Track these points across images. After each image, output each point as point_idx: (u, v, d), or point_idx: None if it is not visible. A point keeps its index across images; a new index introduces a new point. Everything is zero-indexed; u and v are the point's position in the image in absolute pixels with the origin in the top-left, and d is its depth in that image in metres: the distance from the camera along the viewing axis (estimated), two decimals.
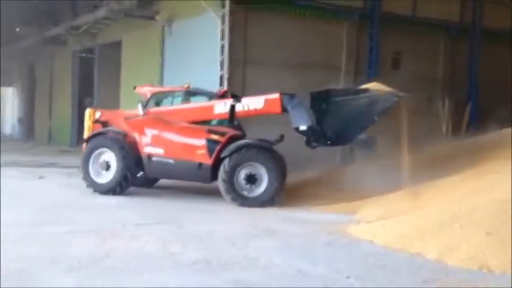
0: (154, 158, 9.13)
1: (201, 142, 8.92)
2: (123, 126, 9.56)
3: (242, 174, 8.62)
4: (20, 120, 31.32)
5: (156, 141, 9.17)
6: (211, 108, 9.38)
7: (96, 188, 9.22)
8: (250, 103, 9.17)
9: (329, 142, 8.93)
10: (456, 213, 6.41)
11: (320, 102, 8.86)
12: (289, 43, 13.90)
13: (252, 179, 8.61)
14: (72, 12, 22.33)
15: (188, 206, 8.42)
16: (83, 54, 23.13)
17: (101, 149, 9.25)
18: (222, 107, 9.28)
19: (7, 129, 33.22)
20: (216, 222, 7.24)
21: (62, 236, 5.94)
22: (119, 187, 9.10)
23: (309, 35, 14.14)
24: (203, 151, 8.87)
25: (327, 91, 9.05)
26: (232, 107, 9.07)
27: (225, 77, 13.34)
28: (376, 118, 8.63)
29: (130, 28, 17.70)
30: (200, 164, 8.85)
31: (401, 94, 8.63)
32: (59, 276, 4.47)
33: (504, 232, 5.70)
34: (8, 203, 7.87)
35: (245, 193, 8.62)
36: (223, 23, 13.20)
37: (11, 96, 33.62)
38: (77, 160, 15.84)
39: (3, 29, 27.26)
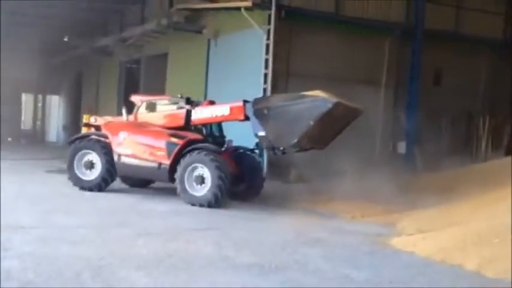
0: (122, 158, 9.97)
1: (162, 144, 9.71)
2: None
3: (193, 174, 9.26)
4: (64, 128, 32.43)
5: (125, 143, 10.01)
6: (180, 115, 10.15)
7: (83, 185, 10.20)
8: (218, 110, 9.96)
9: (282, 148, 9.37)
10: (495, 228, 6.67)
11: (261, 108, 9.32)
12: (332, 57, 14.29)
13: (201, 180, 9.23)
14: (121, 24, 23.33)
15: (234, 213, 8.86)
16: (129, 65, 23.96)
17: (84, 151, 10.25)
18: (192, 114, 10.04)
19: (52, 136, 34.41)
20: (263, 230, 7.64)
21: (126, 237, 6.50)
22: (104, 183, 10.16)
23: (351, 50, 14.50)
24: (163, 152, 9.65)
25: (267, 97, 9.76)
26: (188, 112, 9.90)
27: (269, 89, 13.78)
28: (311, 123, 8.76)
29: (176, 41, 18.38)
30: (160, 164, 9.63)
31: (334, 100, 8.77)
32: (131, 272, 4.99)
33: None
34: (69, 208, 8.51)
35: (194, 192, 9.23)
36: (268, 38, 13.68)
37: (57, 105, 34.82)
38: None
39: (54, 40, 28.56)
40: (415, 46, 15.11)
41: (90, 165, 10.23)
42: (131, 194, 10.43)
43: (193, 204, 9.11)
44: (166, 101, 11.00)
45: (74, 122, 30.63)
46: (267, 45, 13.68)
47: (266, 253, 6.16)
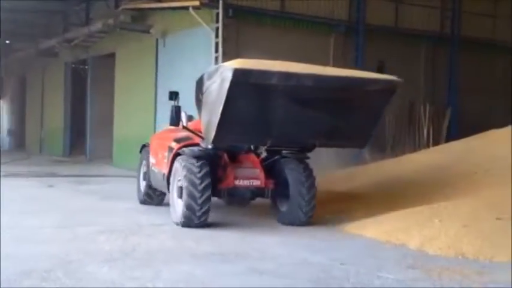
0: (152, 168, 8.93)
1: (166, 151, 8.28)
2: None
3: (177, 186, 7.48)
4: (9, 132, 31.71)
5: (153, 151, 9.03)
6: None
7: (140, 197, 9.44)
8: None
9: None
10: (436, 210, 7.24)
11: (197, 95, 7.73)
12: (280, 53, 14.53)
13: (181, 193, 7.30)
14: (65, 25, 23.02)
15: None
16: (75, 65, 23.68)
17: (143, 161, 9.49)
18: None
19: None
20: (219, 223, 7.83)
21: (89, 234, 6.70)
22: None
23: (299, 45, 14.89)
24: (165, 160, 8.20)
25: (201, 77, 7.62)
26: (176, 108, 7.91)
27: None
28: (221, 107, 6.55)
29: (123, 41, 18.34)
30: (164, 174, 8.12)
31: (234, 67, 6.48)
32: (98, 266, 5.23)
33: (480, 224, 6.54)
34: (33, 209, 8.62)
35: (176, 208, 7.47)
36: (216, 36, 13.93)
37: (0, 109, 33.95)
38: (75, 169, 16.74)
39: None
40: (358, 41, 15.72)
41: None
42: None
43: (176, 224, 7.41)
44: None
45: (19, 126, 30.01)
46: (216, 44, 13.92)
47: (225, 243, 6.48)
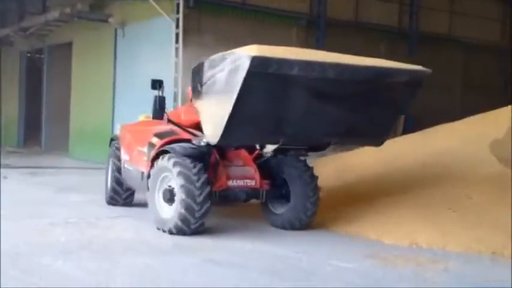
0: (125, 165, 7.96)
1: (145, 147, 7.32)
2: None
3: (163, 188, 6.62)
4: None
5: (127, 147, 8.01)
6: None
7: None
8: None
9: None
10: (391, 201, 7.40)
11: (195, 85, 6.82)
12: (243, 45, 14.59)
13: (170, 195, 6.48)
14: (21, 13, 22.36)
15: None
16: (30, 54, 23.07)
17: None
18: None
19: None
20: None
21: (45, 227, 6.55)
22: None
23: (260, 37, 14.81)
24: (145, 157, 7.23)
25: (201, 64, 6.49)
26: (161, 99, 6.78)
27: (180, 77, 13.91)
28: (234, 99, 5.70)
29: (81, 30, 17.97)
30: (142, 173, 7.23)
31: (252, 54, 5.57)
32: (53, 259, 5.11)
33: (433, 214, 6.72)
34: None
35: (162, 214, 6.59)
36: (177, 27, 13.79)
37: None
38: (30, 160, 16.33)
39: None
40: (319, 35, 15.86)
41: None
42: None
43: (164, 231, 6.44)
44: None
45: None
46: (177, 34, 13.78)
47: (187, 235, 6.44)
